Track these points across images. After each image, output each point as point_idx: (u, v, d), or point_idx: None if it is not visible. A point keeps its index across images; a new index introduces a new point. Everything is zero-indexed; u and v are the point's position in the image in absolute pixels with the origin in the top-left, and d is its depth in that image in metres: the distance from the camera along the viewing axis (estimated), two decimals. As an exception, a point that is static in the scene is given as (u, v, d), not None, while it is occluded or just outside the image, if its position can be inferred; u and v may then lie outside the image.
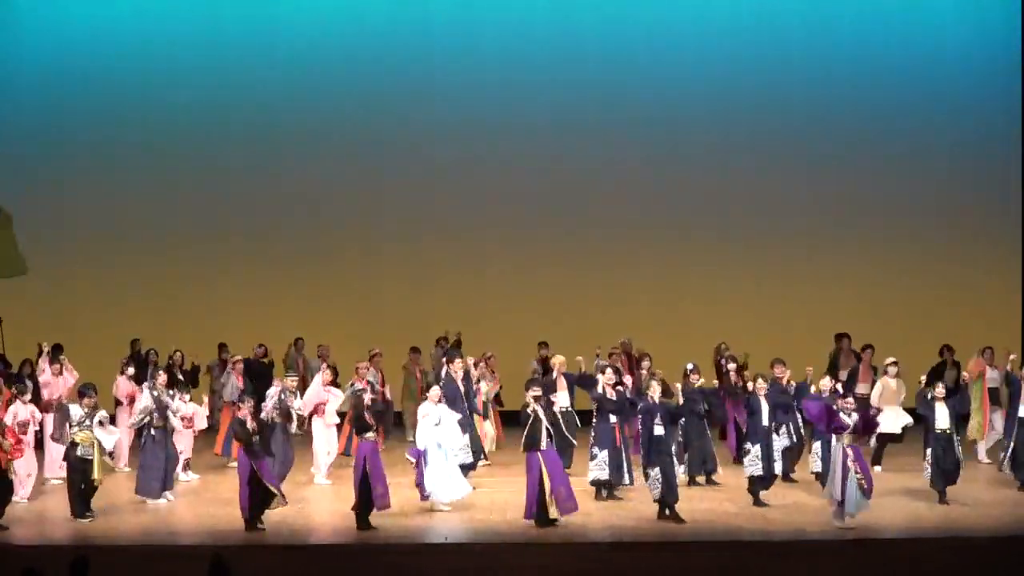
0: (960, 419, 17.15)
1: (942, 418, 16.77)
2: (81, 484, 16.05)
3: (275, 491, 15.40)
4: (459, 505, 16.47)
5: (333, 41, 24.34)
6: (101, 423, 16.22)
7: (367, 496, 15.48)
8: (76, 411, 16.19)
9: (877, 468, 18.33)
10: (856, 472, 15.33)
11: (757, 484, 16.73)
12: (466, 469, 17.27)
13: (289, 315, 23.62)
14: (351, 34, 24.39)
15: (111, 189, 24.18)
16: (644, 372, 19.22)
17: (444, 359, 18.60)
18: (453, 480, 16.48)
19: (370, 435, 15.60)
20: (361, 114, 24.40)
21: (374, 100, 24.34)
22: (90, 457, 16.04)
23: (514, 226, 24.44)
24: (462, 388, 17.86)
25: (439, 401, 16.69)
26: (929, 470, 16.74)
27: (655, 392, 16.10)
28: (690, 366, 17.76)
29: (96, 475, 16.08)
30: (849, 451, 15.45)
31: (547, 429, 15.58)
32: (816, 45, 24.37)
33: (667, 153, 24.40)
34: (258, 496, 15.36)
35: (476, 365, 19.37)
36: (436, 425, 16.48)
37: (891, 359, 18.95)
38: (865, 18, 24.40)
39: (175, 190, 24.39)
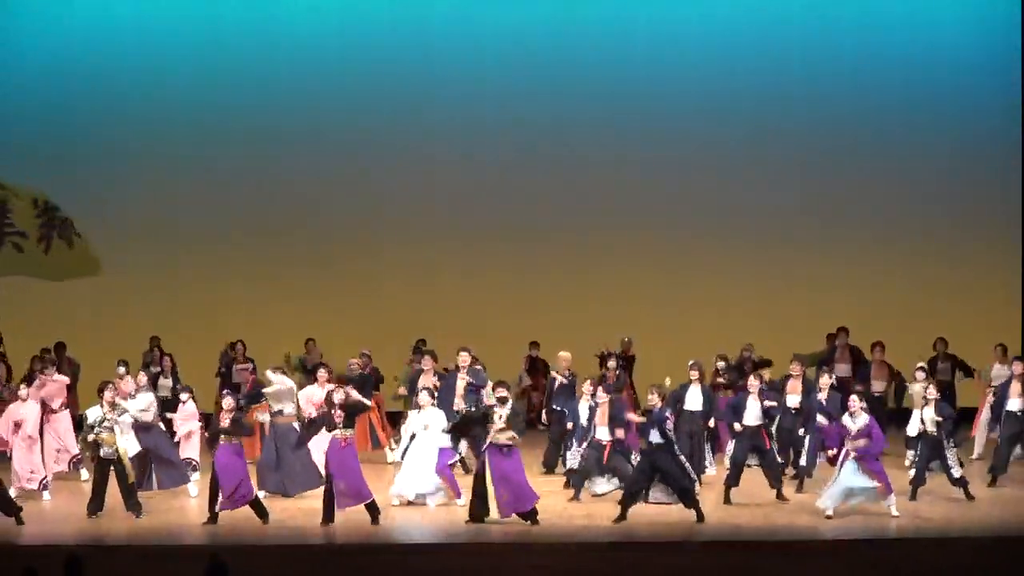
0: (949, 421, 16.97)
1: (928, 419, 16.82)
2: (103, 485, 15.96)
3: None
4: (460, 504, 16.49)
5: (334, 42, 24.26)
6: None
7: (330, 491, 15.52)
8: (95, 412, 16.03)
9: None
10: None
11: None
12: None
13: (289, 316, 23.61)
14: (352, 35, 24.32)
15: (111, 190, 24.15)
16: (609, 372, 19.26)
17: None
18: (423, 478, 16.51)
19: (338, 433, 15.54)
20: (363, 115, 24.30)
21: (376, 101, 24.25)
22: (113, 458, 15.90)
23: (515, 227, 24.39)
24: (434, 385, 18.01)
25: (422, 408, 16.80)
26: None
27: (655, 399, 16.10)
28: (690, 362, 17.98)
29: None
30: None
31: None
32: (816, 47, 24.30)
33: (667, 153, 24.35)
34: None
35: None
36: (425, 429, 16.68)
37: (920, 364, 18.66)
38: (864, 20, 24.33)
39: (175, 190, 24.32)
